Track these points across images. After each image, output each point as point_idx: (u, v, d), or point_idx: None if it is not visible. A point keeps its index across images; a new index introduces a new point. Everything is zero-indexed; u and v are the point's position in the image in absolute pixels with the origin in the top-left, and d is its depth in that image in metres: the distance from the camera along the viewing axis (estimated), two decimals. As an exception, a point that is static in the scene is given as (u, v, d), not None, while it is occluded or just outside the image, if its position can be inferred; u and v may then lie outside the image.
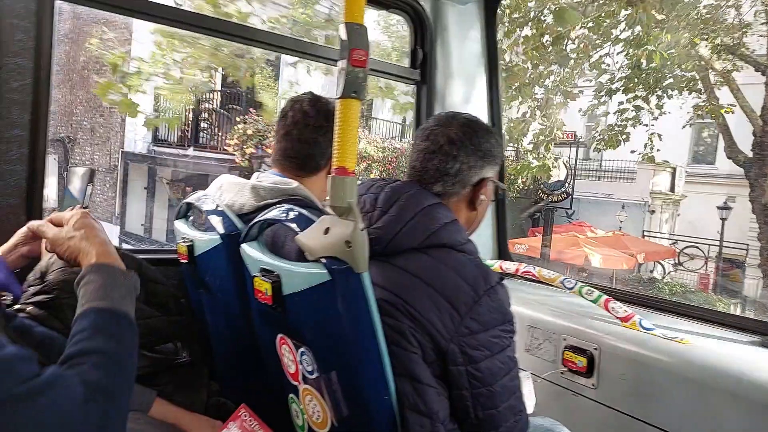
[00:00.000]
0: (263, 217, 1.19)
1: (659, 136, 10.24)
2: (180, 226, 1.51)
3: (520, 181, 12.31)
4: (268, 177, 1.49)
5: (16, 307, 1.11)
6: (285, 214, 1.17)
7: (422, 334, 1.05)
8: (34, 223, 1.39)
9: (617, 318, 1.68)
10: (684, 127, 13.09)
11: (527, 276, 2.00)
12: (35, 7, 1.40)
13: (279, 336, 1.23)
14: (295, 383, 1.22)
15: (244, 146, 10.26)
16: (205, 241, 1.37)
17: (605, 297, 1.74)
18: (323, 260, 0.99)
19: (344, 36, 0.89)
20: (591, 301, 1.75)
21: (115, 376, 0.83)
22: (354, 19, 0.89)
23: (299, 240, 1.03)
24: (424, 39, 2.25)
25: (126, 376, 0.86)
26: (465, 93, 2.26)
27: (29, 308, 1.13)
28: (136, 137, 12.43)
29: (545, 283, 1.92)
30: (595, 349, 1.64)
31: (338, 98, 0.92)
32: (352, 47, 0.89)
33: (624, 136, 10.17)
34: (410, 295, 1.06)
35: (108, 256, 0.97)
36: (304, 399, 1.21)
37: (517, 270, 2.05)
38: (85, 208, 1.44)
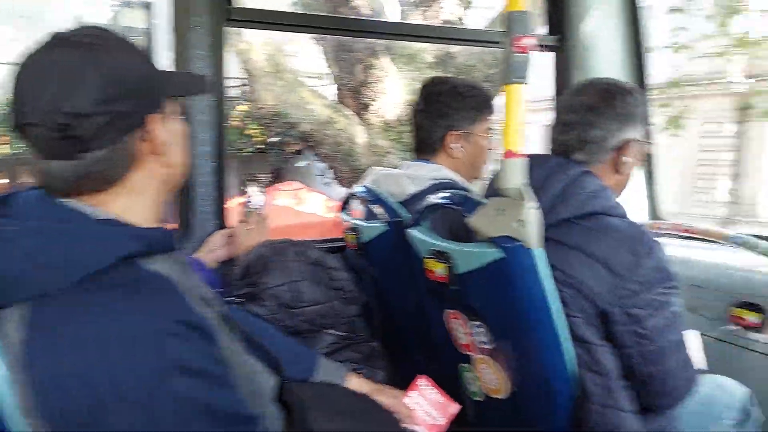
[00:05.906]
0: (428, 203, 1.27)
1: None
2: (344, 216, 1.64)
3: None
4: (417, 165, 1.58)
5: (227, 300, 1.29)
6: (448, 199, 1.24)
7: (584, 301, 1.09)
8: (226, 231, 1.60)
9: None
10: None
11: (685, 234, 1.91)
12: (210, 40, 1.57)
13: (448, 311, 1.31)
14: (468, 353, 1.30)
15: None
16: (372, 228, 1.49)
17: None
18: (495, 239, 1.05)
19: (505, 25, 0.92)
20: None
21: None
22: (515, 7, 0.92)
23: (470, 222, 1.09)
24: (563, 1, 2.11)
25: None
26: (607, 58, 2.13)
27: (240, 299, 1.31)
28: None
29: (705, 239, 1.84)
30: None
31: (503, 84, 0.96)
32: (514, 35, 0.91)
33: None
34: (568, 265, 1.09)
35: None
36: (478, 367, 1.29)
37: (674, 228, 1.97)
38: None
